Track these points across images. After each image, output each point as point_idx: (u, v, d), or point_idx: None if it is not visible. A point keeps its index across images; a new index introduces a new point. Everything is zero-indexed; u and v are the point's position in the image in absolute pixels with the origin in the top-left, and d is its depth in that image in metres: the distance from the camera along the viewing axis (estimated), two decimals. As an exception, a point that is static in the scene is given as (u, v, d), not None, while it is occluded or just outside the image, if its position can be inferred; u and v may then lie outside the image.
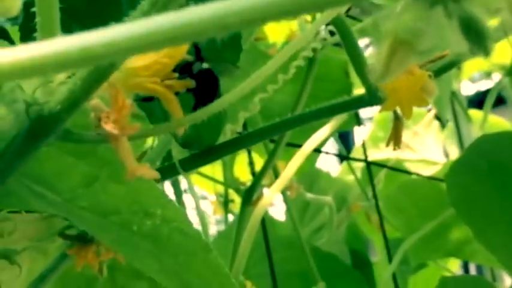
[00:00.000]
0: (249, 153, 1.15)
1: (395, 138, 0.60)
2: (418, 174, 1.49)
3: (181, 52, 0.40)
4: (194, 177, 1.42)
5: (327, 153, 1.48)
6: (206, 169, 1.34)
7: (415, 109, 0.59)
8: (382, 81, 0.30)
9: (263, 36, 1.11)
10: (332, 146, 1.81)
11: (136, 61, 0.39)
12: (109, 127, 0.38)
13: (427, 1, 0.29)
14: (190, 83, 0.41)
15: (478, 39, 0.30)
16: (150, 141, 0.88)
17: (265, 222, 1.12)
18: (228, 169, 1.26)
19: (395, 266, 1.26)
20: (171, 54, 0.40)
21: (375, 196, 1.34)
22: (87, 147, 0.49)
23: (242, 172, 1.28)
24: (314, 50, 0.86)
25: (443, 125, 1.73)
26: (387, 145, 0.61)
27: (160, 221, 0.52)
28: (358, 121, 1.36)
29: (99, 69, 0.35)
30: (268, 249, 1.14)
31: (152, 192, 0.53)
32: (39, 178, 0.50)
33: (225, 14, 0.27)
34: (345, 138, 1.92)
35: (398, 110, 0.63)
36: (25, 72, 0.27)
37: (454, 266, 1.84)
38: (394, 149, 0.62)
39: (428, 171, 1.55)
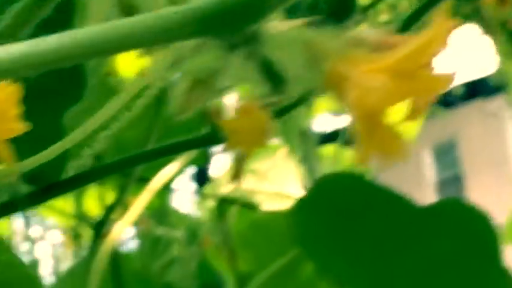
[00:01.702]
0: (101, 187, 1.14)
1: (234, 177, 0.62)
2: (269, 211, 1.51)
3: (11, 100, 0.37)
4: (47, 211, 1.39)
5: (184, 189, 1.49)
6: (59, 203, 1.32)
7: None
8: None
9: (113, 72, 1.10)
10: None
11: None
12: None
13: (225, 43, 0.30)
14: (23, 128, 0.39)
15: (276, 82, 0.32)
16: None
17: (119, 257, 1.11)
18: (77, 203, 1.25)
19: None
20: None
21: (226, 231, 1.36)
22: None
23: (95, 206, 1.26)
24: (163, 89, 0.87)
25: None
26: (230, 182, 0.63)
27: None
28: (207, 158, 1.39)
29: None
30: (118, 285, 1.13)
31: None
32: None
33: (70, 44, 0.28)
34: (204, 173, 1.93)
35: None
36: None
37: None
38: (236, 186, 0.64)
39: (283, 205, 1.57)
